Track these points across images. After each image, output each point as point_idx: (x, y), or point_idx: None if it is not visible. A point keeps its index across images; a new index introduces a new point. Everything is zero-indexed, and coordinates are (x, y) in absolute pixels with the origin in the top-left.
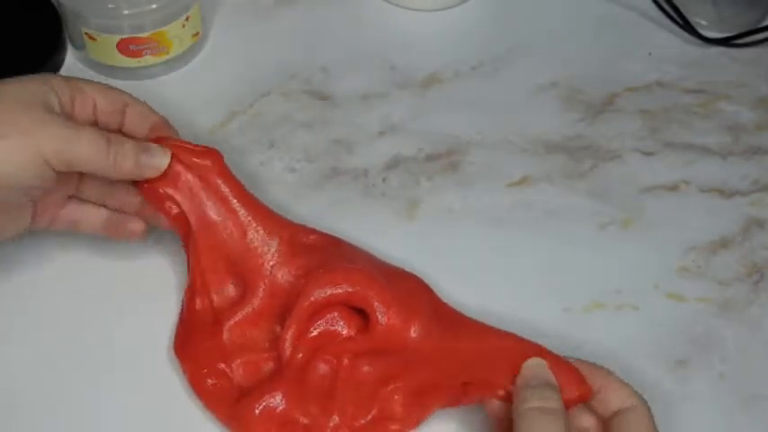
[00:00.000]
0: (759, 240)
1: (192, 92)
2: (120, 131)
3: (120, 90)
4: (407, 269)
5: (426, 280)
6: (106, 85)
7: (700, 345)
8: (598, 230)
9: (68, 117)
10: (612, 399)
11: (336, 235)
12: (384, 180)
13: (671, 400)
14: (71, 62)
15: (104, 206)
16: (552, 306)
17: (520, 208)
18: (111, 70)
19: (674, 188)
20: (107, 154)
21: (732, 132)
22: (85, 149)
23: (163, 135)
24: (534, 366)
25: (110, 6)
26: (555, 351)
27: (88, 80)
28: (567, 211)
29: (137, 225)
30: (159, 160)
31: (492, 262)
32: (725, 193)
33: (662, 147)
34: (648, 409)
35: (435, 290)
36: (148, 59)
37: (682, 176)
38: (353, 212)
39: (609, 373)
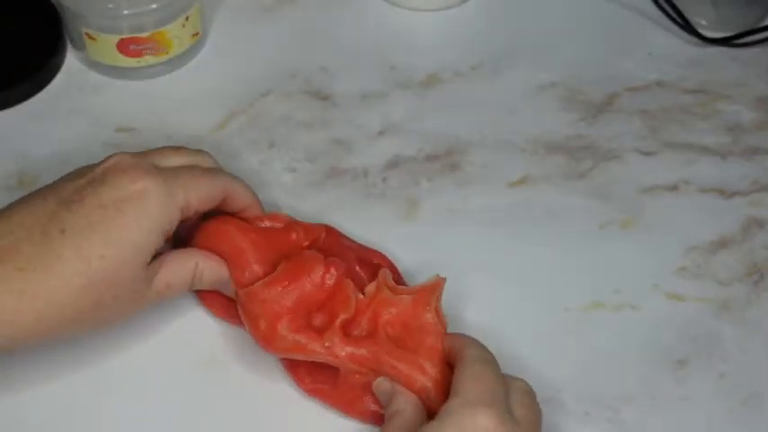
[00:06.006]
0: (759, 240)
1: (192, 92)
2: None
3: (223, 180)
4: (407, 270)
5: (426, 280)
6: (207, 182)
7: (700, 345)
8: (598, 230)
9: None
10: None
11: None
12: (384, 180)
13: (671, 400)
14: (71, 62)
15: None
16: (552, 306)
17: (520, 208)
18: (111, 70)
19: (673, 188)
20: (192, 281)
21: (732, 132)
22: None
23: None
24: None
25: (110, 6)
26: (555, 350)
27: (194, 185)
28: (567, 211)
29: None
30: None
31: (492, 262)
32: (725, 193)
33: (662, 147)
34: (478, 343)
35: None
36: (148, 59)
37: (682, 176)
38: (353, 212)
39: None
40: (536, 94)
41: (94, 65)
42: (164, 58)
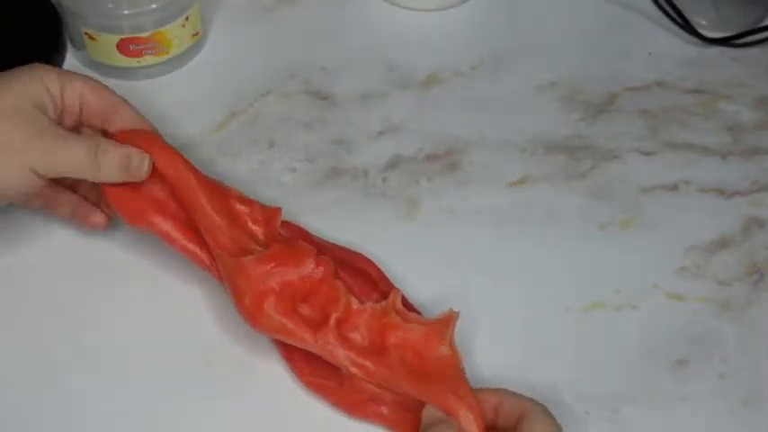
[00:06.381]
0: (759, 240)
1: (191, 92)
2: (104, 130)
3: (112, 92)
4: (407, 269)
5: (426, 280)
6: (100, 83)
7: (700, 345)
8: (598, 230)
9: (59, 116)
10: (511, 408)
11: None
12: (384, 180)
13: (671, 400)
14: (71, 62)
15: (75, 192)
16: (552, 306)
17: (520, 208)
18: (111, 70)
19: (674, 188)
20: (94, 163)
21: (732, 132)
22: (74, 159)
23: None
24: None
25: (110, 6)
26: (555, 350)
27: (84, 75)
28: (567, 211)
29: (99, 217)
30: (141, 171)
31: (492, 262)
32: (725, 193)
33: (662, 147)
34: (546, 408)
35: (435, 290)
36: (148, 59)
37: (682, 176)
38: (353, 212)
39: (500, 389)
40: (536, 94)
41: (94, 65)
42: (164, 58)
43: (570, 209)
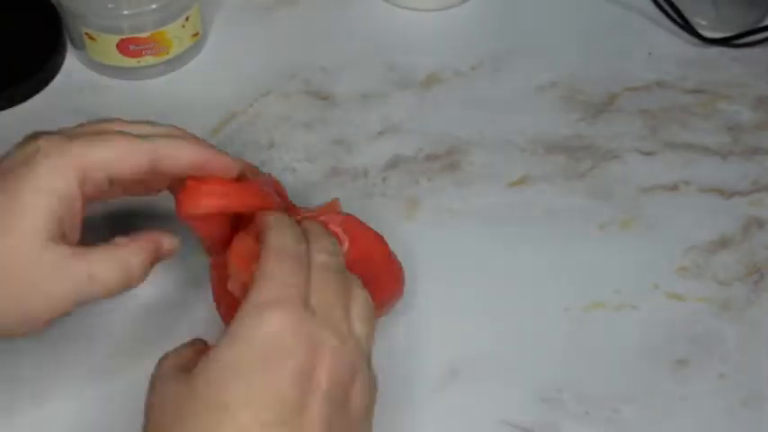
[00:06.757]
0: (759, 240)
1: (192, 92)
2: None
3: (140, 142)
4: (407, 270)
5: (426, 280)
6: (126, 143)
7: (700, 345)
8: (598, 230)
9: (82, 208)
10: None
11: None
12: (384, 180)
13: (671, 400)
14: (71, 62)
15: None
16: (552, 306)
17: (520, 208)
18: (111, 70)
19: (673, 188)
20: (126, 278)
21: (732, 132)
22: (102, 285)
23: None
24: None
25: (110, 6)
26: (555, 350)
27: (100, 144)
28: (567, 211)
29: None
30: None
31: (491, 262)
32: (725, 193)
33: (662, 147)
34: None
35: (435, 290)
36: (148, 59)
37: (682, 176)
38: (353, 212)
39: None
40: (536, 94)
41: (94, 65)
42: (164, 58)
43: (570, 209)
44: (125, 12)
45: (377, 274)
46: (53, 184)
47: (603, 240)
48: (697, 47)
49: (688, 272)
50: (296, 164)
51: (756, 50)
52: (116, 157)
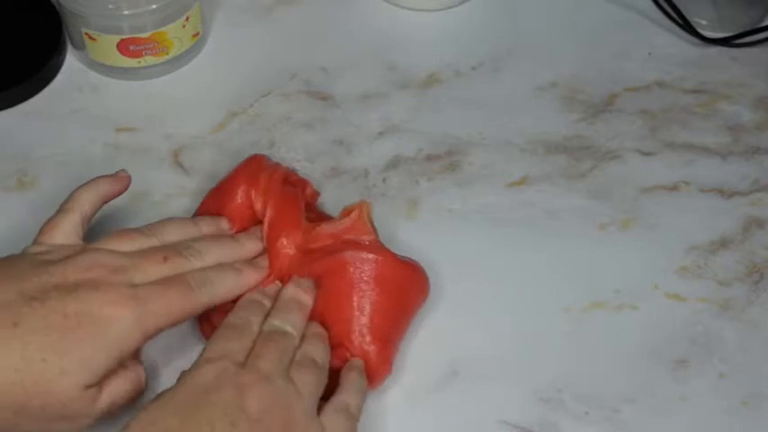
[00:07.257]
0: (759, 240)
1: (192, 92)
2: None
3: (203, 301)
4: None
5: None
6: (185, 307)
7: (700, 345)
8: (598, 230)
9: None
10: None
11: None
12: (384, 180)
13: (671, 400)
14: (71, 62)
15: None
16: (552, 306)
17: (520, 208)
18: (111, 70)
19: (674, 188)
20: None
21: (732, 132)
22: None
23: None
24: None
25: (110, 6)
26: (555, 351)
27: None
28: (567, 211)
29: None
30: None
31: (492, 262)
32: (725, 193)
33: (662, 147)
34: None
35: (435, 290)
36: (148, 60)
37: (682, 176)
38: None
39: None
40: (536, 94)
41: (94, 65)
42: (164, 58)
43: (570, 209)
44: (125, 12)
45: (399, 292)
46: (120, 349)
47: (603, 240)
48: (697, 47)
49: (688, 272)
50: (296, 164)
51: (756, 50)
52: (177, 319)
